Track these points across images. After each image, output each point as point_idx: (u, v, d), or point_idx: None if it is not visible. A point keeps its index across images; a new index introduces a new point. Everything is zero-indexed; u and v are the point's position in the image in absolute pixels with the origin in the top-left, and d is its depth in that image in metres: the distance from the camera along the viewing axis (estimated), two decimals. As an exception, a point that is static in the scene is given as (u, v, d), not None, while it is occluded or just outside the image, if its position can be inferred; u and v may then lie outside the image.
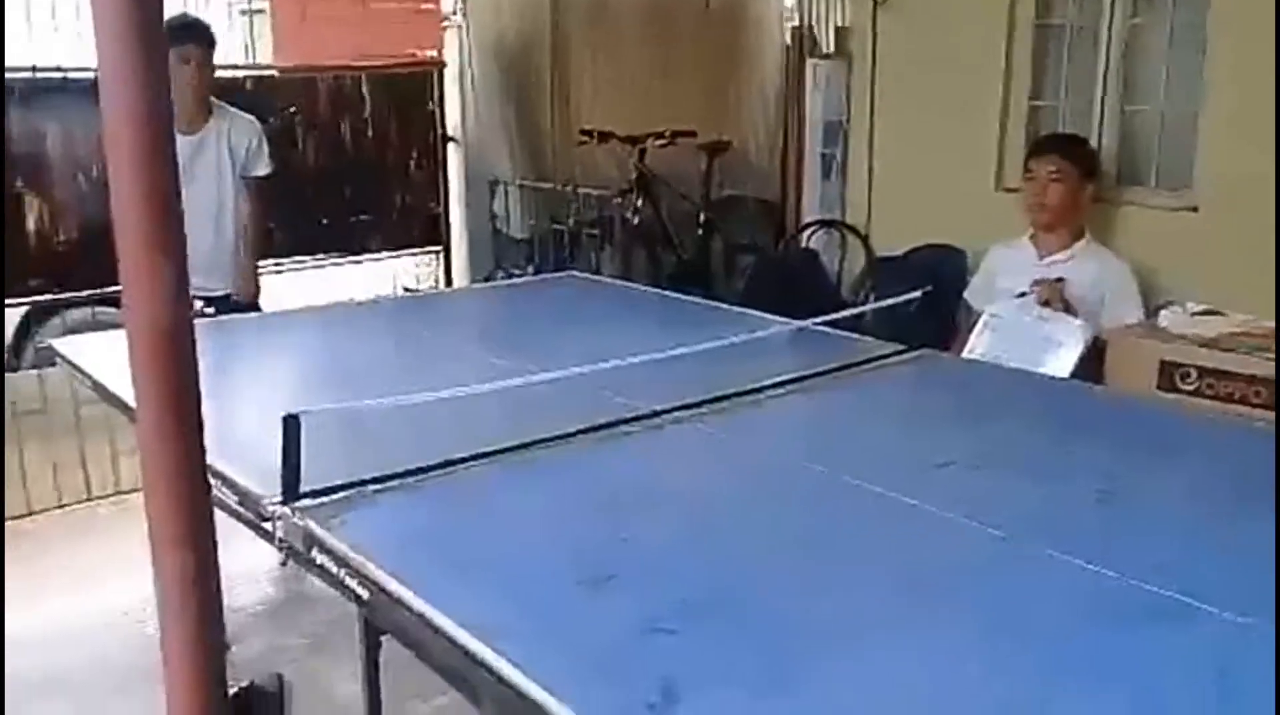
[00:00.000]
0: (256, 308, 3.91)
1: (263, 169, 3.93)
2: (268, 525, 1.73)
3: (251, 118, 3.98)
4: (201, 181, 3.78)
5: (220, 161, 3.84)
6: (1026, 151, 3.83)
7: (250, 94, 5.18)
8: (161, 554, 0.87)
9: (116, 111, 0.82)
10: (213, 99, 3.86)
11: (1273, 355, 3.07)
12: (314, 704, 2.67)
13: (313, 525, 1.64)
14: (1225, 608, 1.41)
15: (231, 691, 2.63)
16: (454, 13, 5.93)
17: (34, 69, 4.05)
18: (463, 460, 1.89)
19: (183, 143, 3.71)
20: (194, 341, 0.87)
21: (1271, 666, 1.29)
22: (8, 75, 3.98)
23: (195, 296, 3.71)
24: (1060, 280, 3.44)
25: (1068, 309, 3.37)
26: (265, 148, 3.94)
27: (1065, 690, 1.27)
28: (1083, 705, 1.24)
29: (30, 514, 3.79)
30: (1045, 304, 3.38)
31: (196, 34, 3.73)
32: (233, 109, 3.94)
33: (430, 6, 5.61)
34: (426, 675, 1.49)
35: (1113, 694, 1.25)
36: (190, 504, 0.87)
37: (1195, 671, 1.30)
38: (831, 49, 5.02)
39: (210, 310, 3.63)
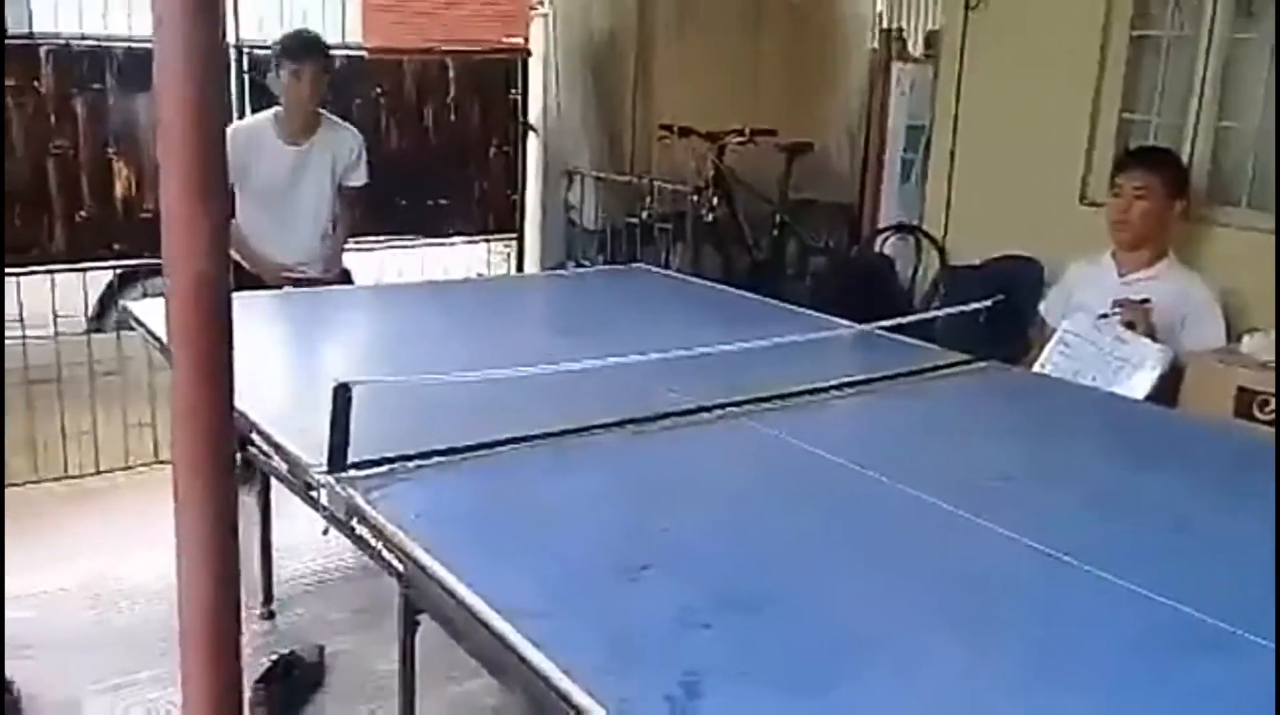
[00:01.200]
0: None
1: (360, 180, 4.02)
2: (313, 493, 1.75)
3: (354, 130, 4.06)
4: (303, 189, 3.89)
5: (322, 172, 3.93)
6: (1113, 165, 3.71)
7: (338, 75, 5.28)
8: (185, 497, 0.88)
9: (166, 67, 0.82)
10: (321, 111, 3.94)
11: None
12: (353, 677, 2.70)
13: (356, 496, 1.65)
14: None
15: (273, 658, 2.69)
16: (542, 2, 5.95)
17: (130, 39, 4.15)
18: (511, 441, 1.89)
19: (289, 153, 3.85)
20: (230, 294, 0.87)
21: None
22: (105, 44, 4.09)
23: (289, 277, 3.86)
24: (1146, 301, 3.32)
25: (1149, 332, 3.25)
26: (364, 159, 4.02)
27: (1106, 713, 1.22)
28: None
29: (99, 472, 3.89)
30: (1129, 326, 3.26)
31: (313, 52, 3.81)
32: (338, 121, 4.02)
33: (520, -7, 5.64)
34: (462, 657, 1.49)
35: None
36: (216, 447, 0.87)
37: (1247, 705, 1.24)
38: (919, 53, 4.93)
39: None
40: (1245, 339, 3.29)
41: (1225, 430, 2.76)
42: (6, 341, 3.90)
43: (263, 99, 4.25)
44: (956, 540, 1.68)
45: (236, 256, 3.68)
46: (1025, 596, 1.53)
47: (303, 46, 3.82)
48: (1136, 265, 3.46)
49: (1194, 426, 2.62)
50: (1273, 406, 3.03)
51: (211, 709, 0.96)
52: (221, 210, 0.85)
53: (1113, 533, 1.72)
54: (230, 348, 0.87)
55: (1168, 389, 3.15)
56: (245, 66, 4.96)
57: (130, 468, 3.94)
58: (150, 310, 2.72)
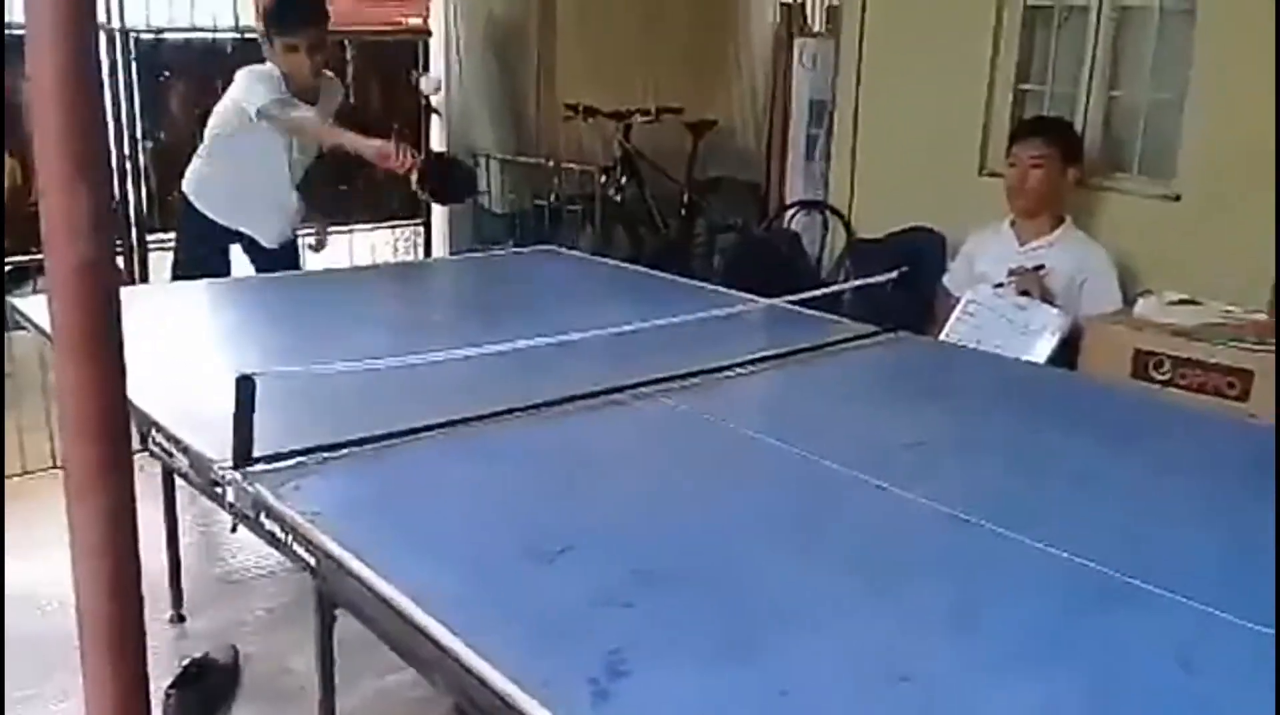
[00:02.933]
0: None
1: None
2: (219, 490, 1.70)
3: (335, 77, 3.98)
4: (296, 152, 3.81)
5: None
6: (1010, 136, 3.79)
7: (233, 57, 5.14)
8: (78, 498, 0.84)
9: (39, 38, 0.78)
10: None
11: (1247, 346, 3.06)
12: (270, 677, 2.64)
13: (263, 491, 1.61)
14: (1189, 595, 1.39)
15: (185, 662, 2.61)
16: (442, -18, 5.86)
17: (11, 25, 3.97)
18: (420, 430, 1.85)
19: (305, 108, 3.69)
20: (118, 276, 0.83)
21: (1233, 654, 1.28)
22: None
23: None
24: (1040, 268, 3.42)
25: (1046, 298, 3.34)
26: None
27: (1020, 671, 1.25)
28: (1037, 685, 1.22)
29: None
30: (1024, 294, 3.35)
31: (308, 19, 3.62)
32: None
33: (419, -27, 5.56)
34: (383, 652, 1.46)
35: (1068, 675, 1.23)
36: (107, 440, 0.83)
37: (1154, 656, 1.28)
38: (821, 27, 4.97)
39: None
40: (1139, 302, 3.39)
41: (1123, 390, 2.85)
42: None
43: (151, 88, 4.11)
44: (871, 507, 1.70)
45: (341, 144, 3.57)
46: (940, 559, 1.56)
47: (295, 15, 3.59)
48: (1035, 233, 3.55)
49: (1093, 387, 2.70)
50: (1168, 367, 3.13)
51: (116, 716, 0.92)
52: (103, 190, 0.80)
53: (1020, 493, 1.76)
54: (119, 336, 0.83)
55: (1067, 353, 3.25)
56: (132, 53, 4.80)
57: (28, 473, 3.79)
58: (39, 306, 2.61)
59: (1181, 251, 3.54)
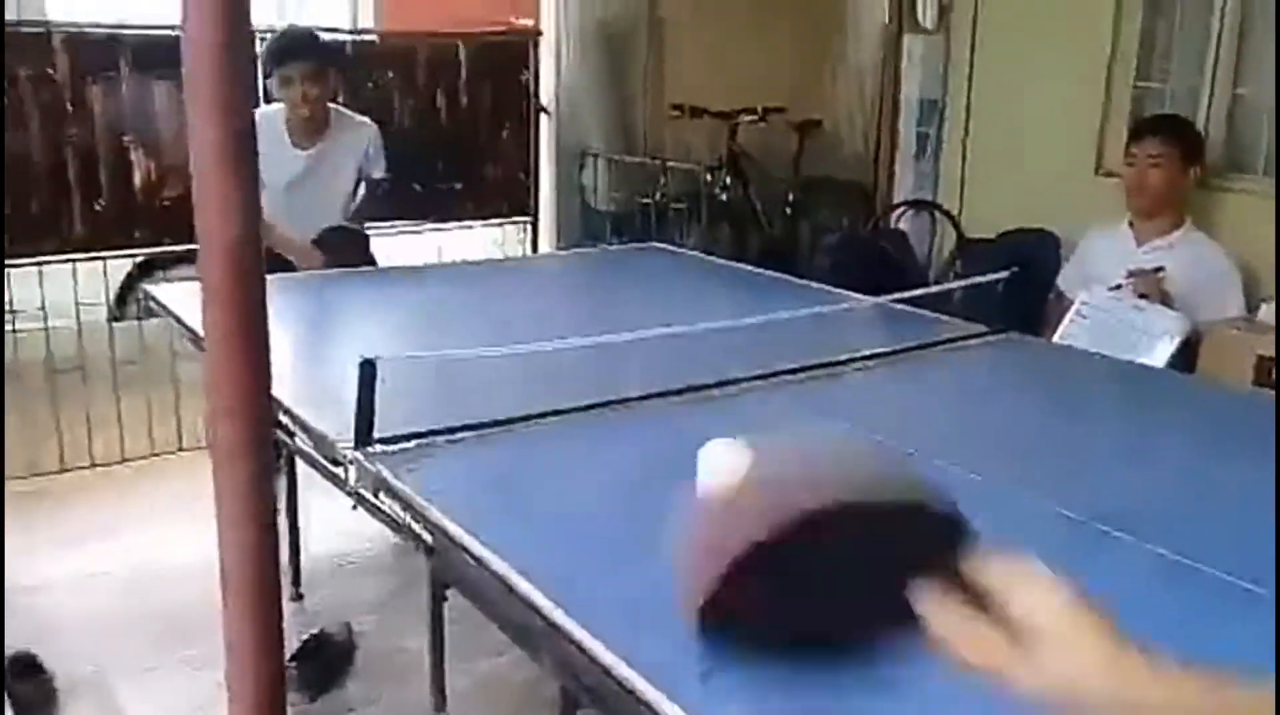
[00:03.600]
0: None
1: (379, 172, 3.87)
2: (339, 470, 1.77)
3: (368, 121, 3.89)
4: (312, 191, 3.71)
5: (334, 173, 3.76)
6: (1128, 134, 3.70)
7: (350, 59, 5.29)
8: (222, 464, 0.90)
9: (195, 37, 0.83)
10: (333, 107, 3.74)
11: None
12: (384, 655, 2.73)
13: (383, 470, 1.67)
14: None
15: (303, 638, 2.72)
16: (552, -18, 5.94)
17: (147, 27, 4.16)
18: (536, 416, 1.90)
19: (297, 158, 3.64)
20: (264, 261, 0.89)
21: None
22: (122, 31, 4.10)
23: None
24: (1159, 270, 3.33)
25: (1165, 301, 3.25)
26: (381, 151, 3.86)
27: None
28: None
29: (124, 461, 3.92)
30: (1143, 296, 3.26)
31: (300, 53, 3.57)
32: (351, 115, 3.85)
33: (529, -25, 5.65)
34: (491, 634, 1.51)
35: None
36: (254, 412, 0.89)
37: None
38: (932, 25, 4.91)
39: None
40: (1263, 307, 3.29)
41: (1245, 396, 2.76)
42: (31, 332, 3.95)
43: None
44: (987, 508, 1.68)
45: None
46: (1060, 562, 1.54)
47: (287, 49, 3.57)
48: (1154, 234, 3.46)
49: (1215, 393, 2.62)
50: (1294, 373, 3.03)
51: (259, 685, 0.98)
52: (252, 176, 0.86)
53: (1134, 496, 1.73)
54: (264, 314, 0.89)
55: (1186, 357, 3.15)
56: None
57: (157, 455, 3.98)
58: (173, 294, 2.75)
59: (1309, 254, 3.41)
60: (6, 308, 3.80)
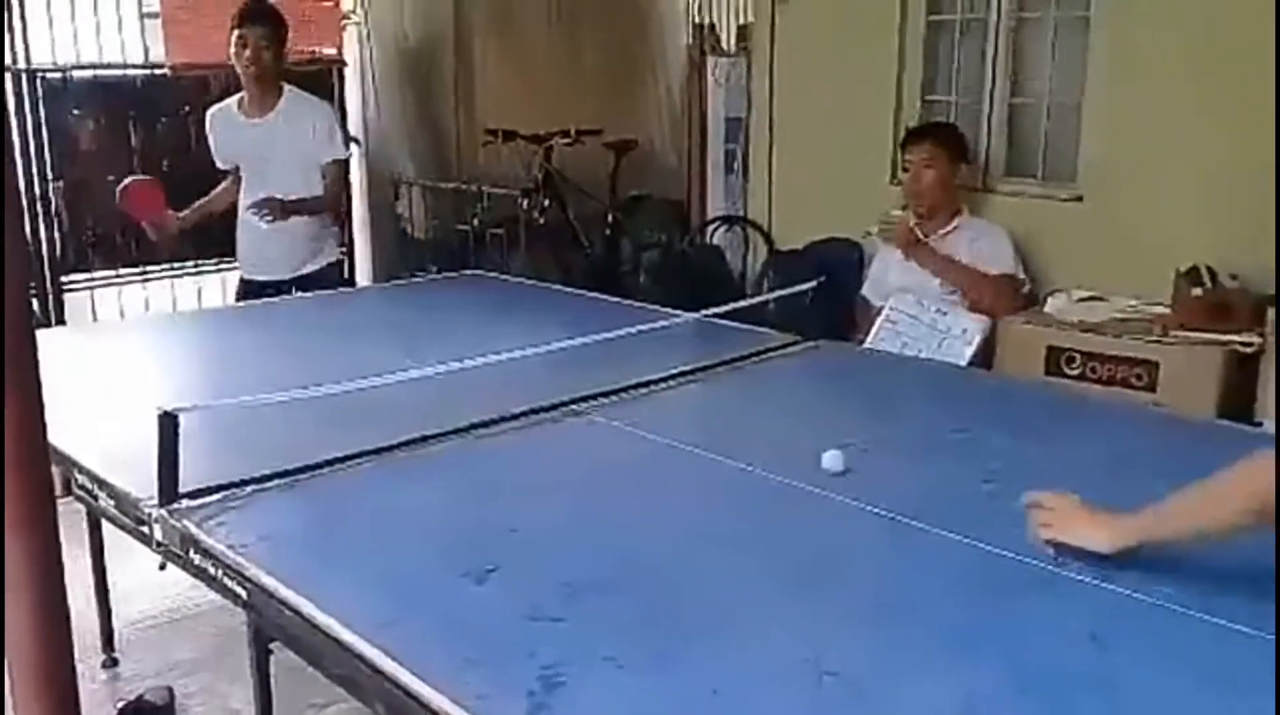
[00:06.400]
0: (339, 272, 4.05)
1: (335, 154, 3.85)
2: (144, 528, 1.69)
3: (320, 101, 3.93)
4: (275, 168, 3.74)
5: (289, 148, 3.76)
6: (900, 144, 3.92)
7: (142, 93, 5.07)
8: (12, 535, 0.84)
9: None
10: (287, 85, 3.81)
11: (1153, 339, 3.18)
12: None
13: (190, 526, 1.60)
14: (1098, 576, 1.45)
15: (119, 706, 2.57)
16: (354, 10, 5.84)
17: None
18: (348, 458, 1.86)
19: (250, 128, 3.77)
20: (31, 313, 0.84)
21: (1141, 629, 1.34)
22: None
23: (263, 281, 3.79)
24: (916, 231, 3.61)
25: (943, 271, 3.51)
26: (336, 131, 3.88)
27: (942, 658, 1.30)
28: (960, 671, 1.26)
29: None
30: (906, 250, 3.57)
31: (256, 18, 3.71)
32: (305, 94, 3.86)
33: (329, 4, 5.53)
34: (322, 683, 1.46)
35: (989, 661, 1.28)
36: (32, 481, 0.84)
37: (1069, 635, 1.34)
38: (732, 47, 5.06)
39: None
40: (1049, 300, 3.52)
41: (1038, 387, 2.94)
42: None
43: (62, 127, 4.04)
44: (794, 511, 1.74)
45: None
46: (861, 556, 1.60)
47: (247, 13, 3.71)
48: (935, 228, 3.66)
49: (1011, 386, 2.79)
50: (1078, 362, 3.24)
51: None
52: (14, 226, 0.81)
53: (941, 490, 1.82)
54: (36, 367, 0.84)
55: (986, 353, 3.35)
56: (39, 93, 4.73)
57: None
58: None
59: (1086, 250, 3.67)
60: None
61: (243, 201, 3.78)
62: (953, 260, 3.53)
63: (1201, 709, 1.21)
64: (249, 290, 3.85)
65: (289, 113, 3.79)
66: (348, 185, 4.18)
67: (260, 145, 3.77)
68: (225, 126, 3.84)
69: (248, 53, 3.68)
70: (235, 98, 3.86)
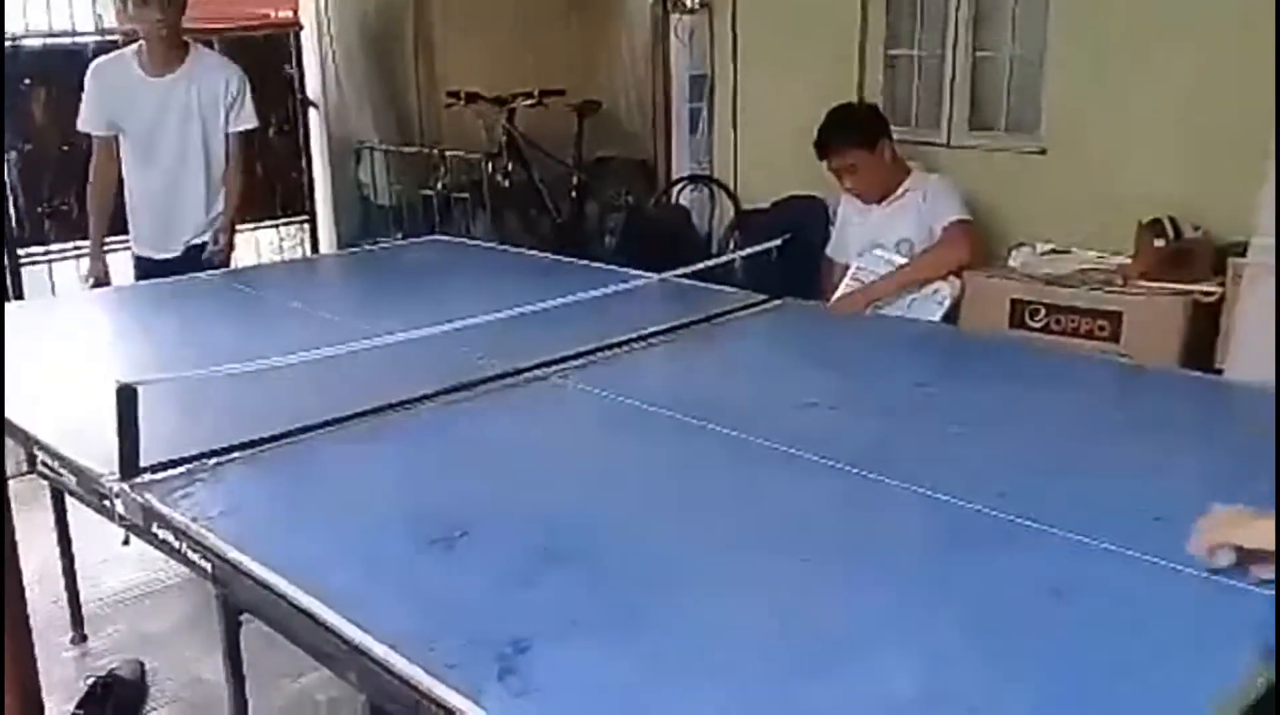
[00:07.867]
0: (227, 266, 3.63)
1: (245, 123, 3.59)
2: (107, 503, 1.67)
3: (229, 63, 3.65)
4: (172, 128, 3.49)
5: (191, 107, 3.49)
6: (816, 155, 3.62)
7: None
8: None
9: None
10: (195, 44, 3.55)
11: (1116, 290, 3.20)
12: (181, 688, 2.60)
13: (152, 500, 1.58)
14: (1062, 527, 1.47)
15: (89, 682, 2.56)
16: (309, -27, 5.73)
17: None
18: (312, 427, 1.84)
19: (151, 85, 3.44)
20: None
21: (1103, 581, 1.35)
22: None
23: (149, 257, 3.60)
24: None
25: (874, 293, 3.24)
26: (247, 98, 3.58)
27: (909, 610, 1.31)
28: (924, 622, 1.28)
29: None
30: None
31: None
32: (212, 54, 3.65)
33: (283, -33, 5.43)
34: (294, 653, 1.45)
35: (954, 610, 1.29)
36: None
37: (1031, 588, 1.35)
38: (695, 3, 5.01)
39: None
40: (1013, 253, 3.53)
41: (1004, 341, 2.96)
42: None
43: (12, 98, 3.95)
44: (763, 469, 1.75)
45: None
46: (828, 511, 1.61)
47: None
48: (886, 202, 3.60)
49: (978, 340, 2.81)
50: (1043, 315, 3.26)
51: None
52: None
53: (906, 444, 1.83)
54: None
55: (952, 311, 3.34)
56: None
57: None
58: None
59: (1050, 203, 3.68)
60: None
61: (127, 172, 3.53)
62: (895, 270, 3.28)
63: (1165, 662, 1.22)
64: (147, 270, 3.60)
65: (195, 74, 3.48)
66: (255, 161, 3.90)
67: (157, 108, 3.47)
68: (117, 83, 3.46)
69: (149, 15, 3.35)
70: (128, 50, 3.52)
